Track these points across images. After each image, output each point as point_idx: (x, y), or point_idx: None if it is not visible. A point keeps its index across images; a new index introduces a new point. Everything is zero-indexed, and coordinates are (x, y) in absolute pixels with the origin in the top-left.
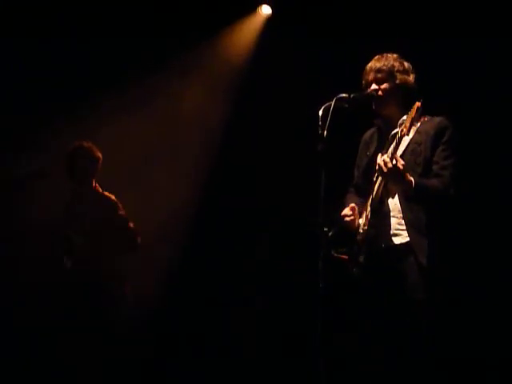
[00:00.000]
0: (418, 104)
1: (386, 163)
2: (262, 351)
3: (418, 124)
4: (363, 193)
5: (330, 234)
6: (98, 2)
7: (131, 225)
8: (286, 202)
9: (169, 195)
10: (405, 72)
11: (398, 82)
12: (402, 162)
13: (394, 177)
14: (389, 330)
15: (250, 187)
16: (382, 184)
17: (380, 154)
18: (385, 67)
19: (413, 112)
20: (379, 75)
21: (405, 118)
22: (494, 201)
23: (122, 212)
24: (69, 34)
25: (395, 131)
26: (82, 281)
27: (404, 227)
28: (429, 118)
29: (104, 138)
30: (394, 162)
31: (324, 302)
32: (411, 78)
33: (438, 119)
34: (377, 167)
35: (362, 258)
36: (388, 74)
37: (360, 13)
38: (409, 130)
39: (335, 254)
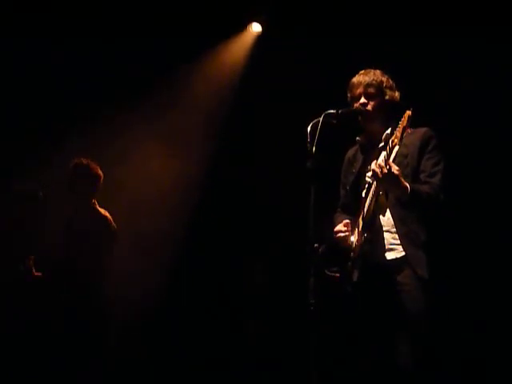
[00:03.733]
0: (408, 113)
1: (381, 168)
2: (254, 368)
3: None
4: (351, 211)
5: (320, 250)
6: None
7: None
8: (276, 219)
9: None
10: (392, 88)
11: (387, 97)
12: (397, 168)
13: (389, 182)
14: (387, 345)
15: (240, 206)
16: (374, 199)
17: (374, 162)
18: (375, 82)
19: (404, 121)
20: (369, 90)
21: (388, 131)
22: (488, 209)
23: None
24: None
25: (381, 145)
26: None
27: (398, 241)
28: (412, 130)
29: (109, 149)
30: (389, 167)
31: (315, 318)
32: (397, 94)
33: (422, 130)
34: (371, 173)
35: (355, 276)
36: (378, 90)
37: (350, 28)
38: (400, 140)
39: (328, 273)
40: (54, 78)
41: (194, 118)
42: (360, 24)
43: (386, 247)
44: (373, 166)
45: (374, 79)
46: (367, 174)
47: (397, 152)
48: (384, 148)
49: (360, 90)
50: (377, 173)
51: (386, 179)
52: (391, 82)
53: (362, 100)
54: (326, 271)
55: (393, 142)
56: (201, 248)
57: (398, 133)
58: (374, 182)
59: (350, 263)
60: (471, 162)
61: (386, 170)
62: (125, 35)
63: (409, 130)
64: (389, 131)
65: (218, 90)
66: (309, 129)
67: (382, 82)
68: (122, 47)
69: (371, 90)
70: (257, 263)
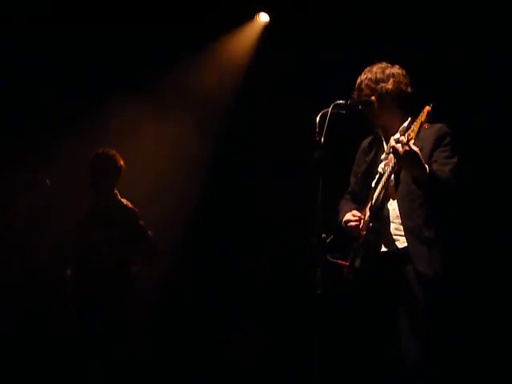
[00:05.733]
0: (428, 108)
1: (402, 144)
2: (261, 359)
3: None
4: (359, 200)
5: (328, 240)
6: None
7: (150, 234)
8: (282, 210)
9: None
10: (382, 81)
11: (376, 94)
12: (417, 148)
13: (409, 159)
14: (389, 335)
15: (246, 196)
16: (384, 189)
17: (392, 138)
18: (363, 84)
19: (423, 116)
20: (362, 92)
21: (405, 124)
22: (493, 207)
23: (140, 222)
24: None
25: (396, 137)
26: (92, 292)
27: (401, 232)
28: (429, 125)
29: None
30: (409, 146)
31: (322, 309)
32: (389, 84)
33: (437, 126)
34: (390, 150)
35: (358, 263)
36: (367, 90)
37: (359, 20)
38: (417, 134)
39: (331, 259)
40: (54, 75)
41: (198, 109)
42: (367, 15)
43: (390, 237)
44: (392, 142)
45: (362, 80)
46: (380, 165)
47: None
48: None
49: (355, 94)
50: (397, 148)
51: (406, 155)
52: (387, 72)
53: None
54: (328, 257)
55: (409, 135)
56: (200, 248)
57: (415, 127)
58: (386, 173)
59: (352, 252)
60: (480, 160)
61: (407, 148)
62: (130, 27)
63: (425, 125)
64: (406, 124)
65: (224, 79)
66: (317, 119)
67: (370, 79)
68: (127, 38)
69: (363, 92)
70: (258, 262)
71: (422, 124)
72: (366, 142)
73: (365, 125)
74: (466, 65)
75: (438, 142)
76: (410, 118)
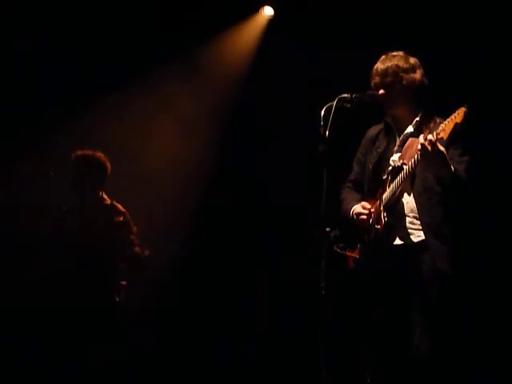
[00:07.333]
0: (464, 110)
1: (432, 144)
2: (264, 352)
3: (432, 124)
4: (362, 188)
5: (332, 234)
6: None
7: (136, 248)
8: (287, 202)
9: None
10: (411, 70)
11: (404, 82)
12: (443, 149)
13: (437, 159)
14: (398, 332)
15: (251, 188)
16: (401, 185)
17: (422, 135)
18: (389, 69)
19: (457, 117)
20: (385, 79)
21: (418, 118)
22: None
23: (132, 228)
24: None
25: (409, 131)
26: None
27: (416, 226)
28: (441, 119)
29: (105, 140)
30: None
31: (325, 302)
32: (418, 74)
33: None
34: (419, 147)
35: (369, 256)
36: (394, 77)
37: (362, 13)
38: (449, 135)
39: (338, 250)
40: (54, 74)
41: (199, 105)
42: (372, 10)
43: (404, 231)
44: (421, 140)
45: (388, 66)
46: (391, 158)
47: (425, 138)
48: (413, 135)
49: (377, 80)
50: (426, 147)
51: (435, 156)
52: (411, 62)
53: (381, 91)
54: (335, 248)
55: (438, 134)
56: (200, 247)
57: (446, 127)
58: (406, 169)
59: (363, 244)
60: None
61: (435, 148)
62: (130, 22)
63: (438, 119)
64: (418, 118)
65: (227, 74)
66: (322, 112)
67: (397, 67)
68: (128, 31)
69: (387, 79)
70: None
71: (456, 125)
72: (373, 130)
73: (369, 119)
74: (464, 64)
75: (453, 138)
76: (421, 112)
